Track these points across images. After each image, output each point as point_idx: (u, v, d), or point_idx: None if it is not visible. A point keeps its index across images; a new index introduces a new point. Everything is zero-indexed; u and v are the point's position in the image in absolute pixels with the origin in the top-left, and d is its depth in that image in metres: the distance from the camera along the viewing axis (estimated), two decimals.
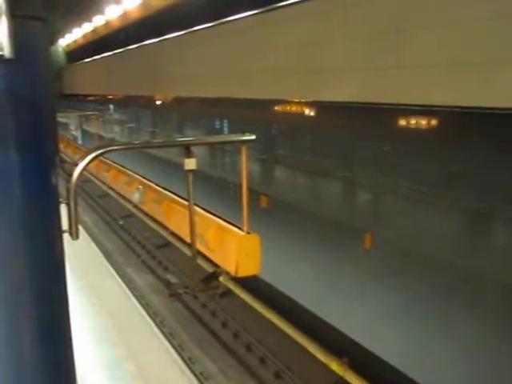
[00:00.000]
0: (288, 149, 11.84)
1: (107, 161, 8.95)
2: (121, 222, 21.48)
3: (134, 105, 23.62)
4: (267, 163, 12.28)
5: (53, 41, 35.93)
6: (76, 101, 34.03)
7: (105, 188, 23.06)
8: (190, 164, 3.99)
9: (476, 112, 6.43)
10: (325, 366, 10.03)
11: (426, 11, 7.28)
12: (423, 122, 7.83)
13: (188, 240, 4.42)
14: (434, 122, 7.69)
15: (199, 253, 4.57)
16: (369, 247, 8.76)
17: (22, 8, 2.52)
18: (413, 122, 7.98)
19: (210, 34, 14.24)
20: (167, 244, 17.88)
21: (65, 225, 3.12)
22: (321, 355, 10.16)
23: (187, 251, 14.77)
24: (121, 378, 8.48)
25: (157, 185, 6.43)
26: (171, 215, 5.27)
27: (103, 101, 28.67)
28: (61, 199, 3.02)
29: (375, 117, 8.53)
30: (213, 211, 4.87)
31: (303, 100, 10.67)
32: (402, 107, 7.69)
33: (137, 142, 4.38)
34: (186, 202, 4.61)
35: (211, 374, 10.74)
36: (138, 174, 7.75)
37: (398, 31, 7.60)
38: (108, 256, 15.95)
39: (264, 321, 12.01)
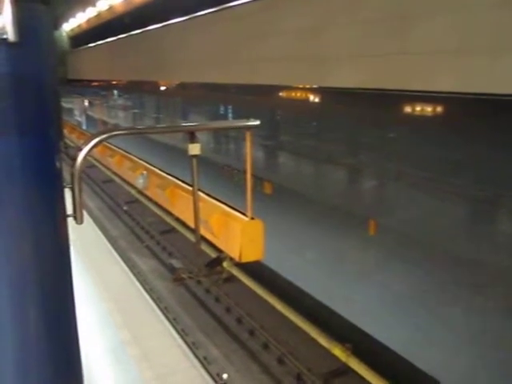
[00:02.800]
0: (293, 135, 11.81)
1: (111, 146, 8.93)
2: (125, 208, 21.56)
3: (138, 90, 23.55)
4: (271, 149, 12.26)
5: (56, 25, 35.79)
6: (80, 86, 33.95)
7: (109, 173, 23.12)
8: (194, 149, 3.97)
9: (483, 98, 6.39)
10: (328, 352, 10.09)
11: None
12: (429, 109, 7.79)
13: (192, 225, 4.42)
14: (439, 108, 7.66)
15: (203, 238, 4.58)
16: (373, 234, 8.76)
17: None
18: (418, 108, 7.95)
19: (215, 20, 14.14)
20: (171, 229, 17.94)
21: (69, 210, 3.13)
22: (324, 341, 10.22)
23: (191, 237, 14.81)
24: (125, 361, 8.55)
25: (161, 170, 6.42)
26: (175, 201, 5.27)
27: (107, 86, 28.58)
28: (65, 184, 3.02)
29: (380, 103, 8.49)
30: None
31: (308, 86, 10.62)
32: (408, 93, 7.64)
33: (141, 127, 4.37)
34: (190, 188, 4.60)
35: (214, 358, 10.83)
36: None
37: (404, 17, 7.53)
38: (112, 241, 16.02)
39: (267, 306, 12.07)
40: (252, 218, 4.06)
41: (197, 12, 15.22)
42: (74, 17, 32.77)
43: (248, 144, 3.99)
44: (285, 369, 10.42)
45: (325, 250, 10.30)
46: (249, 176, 4.20)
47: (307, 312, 11.02)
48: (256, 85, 12.03)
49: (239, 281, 13.44)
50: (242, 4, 12.44)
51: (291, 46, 10.31)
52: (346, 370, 9.74)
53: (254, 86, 12.17)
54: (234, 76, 13.03)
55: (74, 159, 3.11)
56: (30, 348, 2.97)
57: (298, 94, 11.10)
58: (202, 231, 4.35)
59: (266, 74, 11.44)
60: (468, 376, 7.39)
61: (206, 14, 14.67)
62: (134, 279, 12.04)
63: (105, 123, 26.96)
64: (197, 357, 8.72)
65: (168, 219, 17.88)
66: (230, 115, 14.54)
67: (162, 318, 10.06)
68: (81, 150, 3.16)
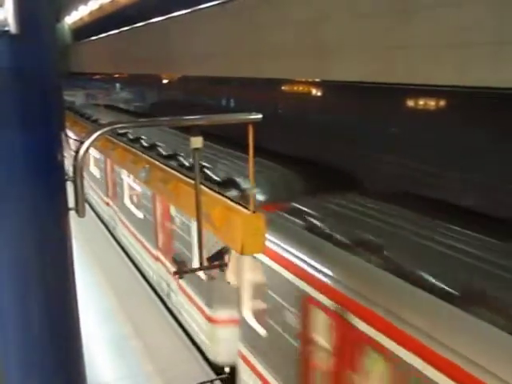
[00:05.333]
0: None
1: (114, 139, 8.91)
2: None
3: (140, 84, 23.53)
4: None
5: (58, 18, 35.67)
6: (83, 79, 33.90)
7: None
8: (197, 142, 3.95)
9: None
10: None
11: None
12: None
13: (194, 218, 4.41)
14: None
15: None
16: None
17: None
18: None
19: (219, 12, 14.06)
20: None
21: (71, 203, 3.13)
22: None
23: None
24: (127, 354, 8.58)
25: (163, 164, 6.40)
26: (177, 194, 5.26)
27: (110, 79, 28.56)
28: (67, 176, 3.02)
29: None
30: None
31: (310, 79, 10.57)
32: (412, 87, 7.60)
33: (143, 120, 4.37)
34: (192, 181, 4.59)
35: None
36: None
37: (407, 10, 7.48)
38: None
39: None
40: (254, 212, 4.05)
41: (200, 4, 15.15)
42: (76, 10, 32.66)
43: (250, 138, 3.96)
44: None
45: None
46: (251, 170, 4.18)
47: None
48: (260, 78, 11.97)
49: None
50: None
51: (296, 40, 10.25)
52: None
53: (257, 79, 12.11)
54: (239, 69, 12.97)
55: (76, 152, 3.10)
56: (33, 341, 2.98)
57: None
58: (205, 224, 4.34)
59: (270, 67, 11.39)
60: None
61: (210, 6, 14.60)
62: (137, 273, 12.04)
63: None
64: (199, 350, 8.72)
65: None
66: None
67: (164, 312, 10.07)
68: (83, 143, 3.14)
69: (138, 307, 10.19)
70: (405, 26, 7.47)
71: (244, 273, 6.82)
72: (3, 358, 2.93)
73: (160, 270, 10.50)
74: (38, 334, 2.98)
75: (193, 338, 9.00)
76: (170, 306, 10.02)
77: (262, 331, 6.43)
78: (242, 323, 7.02)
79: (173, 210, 9.36)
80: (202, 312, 8.47)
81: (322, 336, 5.22)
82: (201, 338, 8.65)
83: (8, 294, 2.87)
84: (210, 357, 8.35)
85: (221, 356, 8.04)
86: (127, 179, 12.44)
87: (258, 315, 6.64)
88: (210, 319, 8.20)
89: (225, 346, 7.87)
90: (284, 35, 10.55)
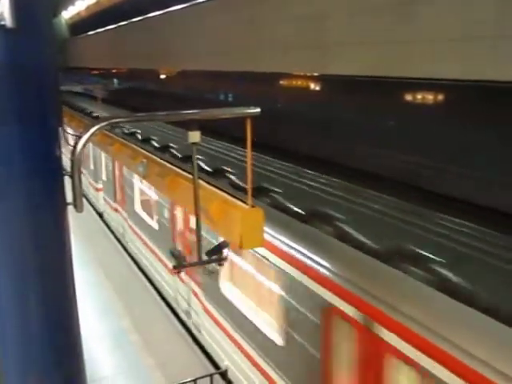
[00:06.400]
0: None
1: (111, 134, 8.88)
2: None
3: (138, 78, 23.49)
4: None
5: (56, 12, 35.54)
6: (80, 74, 33.82)
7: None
8: (194, 137, 3.95)
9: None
10: None
11: None
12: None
13: (193, 213, 4.41)
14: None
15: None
16: None
17: None
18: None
19: (217, 6, 14.02)
20: None
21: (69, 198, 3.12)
22: None
23: None
24: (126, 348, 8.60)
25: (161, 158, 6.38)
26: (175, 189, 5.25)
27: (107, 74, 28.51)
28: (64, 171, 3.02)
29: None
30: None
31: (310, 74, 10.55)
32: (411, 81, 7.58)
33: (141, 114, 4.35)
34: (189, 176, 4.58)
35: None
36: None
37: (408, 4, 7.46)
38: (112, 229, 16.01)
39: None
40: (252, 206, 4.04)
41: None
42: (73, 4, 32.57)
43: (248, 132, 3.95)
44: None
45: None
46: (249, 163, 4.18)
47: None
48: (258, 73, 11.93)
49: None
50: None
51: (295, 34, 10.21)
52: None
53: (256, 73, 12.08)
54: (237, 64, 12.93)
55: (74, 147, 3.08)
56: (32, 335, 2.99)
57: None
58: (203, 219, 4.34)
59: (269, 61, 11.35)
60: None
61: (208, 1, 14.55)
62: (135, 267, 12.05)
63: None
64: (198, 344, 8.74)
65: None
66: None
67: (163, 305, 10.09)
68: (80, 137, 3.13)
69: (136, 301, 10.20)
70: (406, 21, 7.45)
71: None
72: (2, 355, 2.94)
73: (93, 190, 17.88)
74: (37, 331, 2.99)
75: (92, 203, 17.27)
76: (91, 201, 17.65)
77: (104, 178, 14.64)
78: (105, 184, 15.10)
79: None
80: (93, 186, 16.95)
81: None
82: (94, 202, 17.04)
83: (6, 288, 2.87)
84: (97, 209, 16.59)
85: (101, 206, 16.14)
86: None
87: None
88: (96, 189, 16.49)
89: (103, 202, 15.81)
90: (285, 30, 10.51)
